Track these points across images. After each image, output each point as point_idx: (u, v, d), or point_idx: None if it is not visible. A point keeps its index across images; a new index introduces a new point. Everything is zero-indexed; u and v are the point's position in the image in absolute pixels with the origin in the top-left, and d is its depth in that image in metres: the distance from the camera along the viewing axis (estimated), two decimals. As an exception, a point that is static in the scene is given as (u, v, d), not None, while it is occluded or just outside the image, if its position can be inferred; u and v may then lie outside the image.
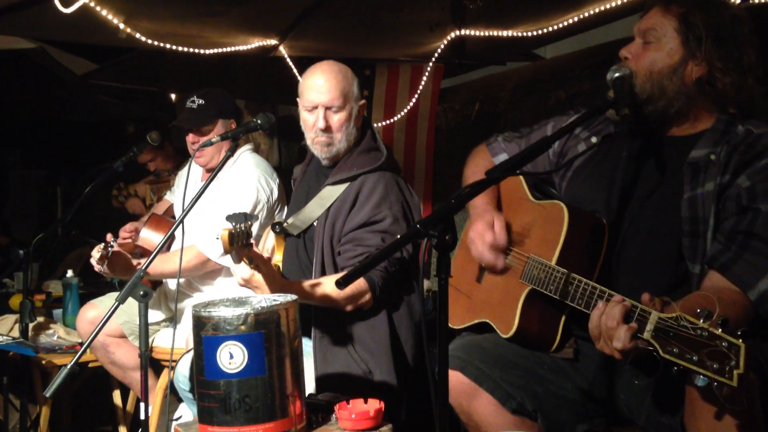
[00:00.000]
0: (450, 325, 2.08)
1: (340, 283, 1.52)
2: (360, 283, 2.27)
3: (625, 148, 1.92)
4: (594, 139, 1.98)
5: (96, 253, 2.70)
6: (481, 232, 1.92)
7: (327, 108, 2.37)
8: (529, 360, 1.90)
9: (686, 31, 1.78)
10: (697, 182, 1.75)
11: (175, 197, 3.50)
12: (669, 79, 1.79)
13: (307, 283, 2.26)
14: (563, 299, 1.75)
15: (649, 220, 1.82)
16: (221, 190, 2.96)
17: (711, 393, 1.41)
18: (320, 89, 2.37)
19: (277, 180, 3.08)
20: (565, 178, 2.05)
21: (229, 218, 1.92)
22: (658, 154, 1.87)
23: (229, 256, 2.88)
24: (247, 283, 2.13)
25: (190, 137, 3.06)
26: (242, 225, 1.91)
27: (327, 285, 2.24)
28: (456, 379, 1.82)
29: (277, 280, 2.14)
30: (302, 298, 2.26)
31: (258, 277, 2.10)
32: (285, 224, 2.48)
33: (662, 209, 1.81)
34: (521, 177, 2.09)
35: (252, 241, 2.00)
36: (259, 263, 2.08)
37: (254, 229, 2.80)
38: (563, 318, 1.88)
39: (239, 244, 1.93)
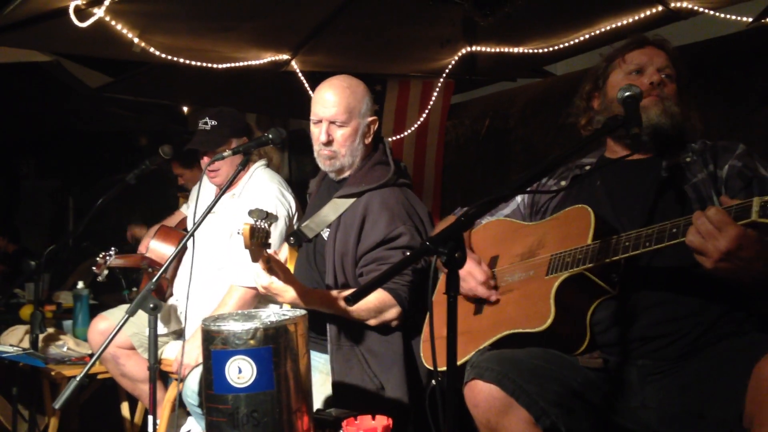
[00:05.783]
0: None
1: (349, 300, 1.52)
2: (383, 298, 2.27)
3: (597, 178, 2.05)
4: (564, 183, 2.11)
5: (99, 260, 2.75)
6: (471, 269, 2.03)
7: (331, 122, 2.40)
8: (563, 374, 1.85)
9: (680, 69, 2.04)
10: (691, 174, 1.91)
11: (188, 211, 3.52)
12: (677, 106, 1.99)
13: (329, 293, 2.26)
14: (605, 259, 1.76)
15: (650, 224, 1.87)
16: (242, 208, 2.96)
17: None
18: (326, 104, 2.40)
19: (292, 193, 3.09)
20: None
21: (250, 213, 1.93)
22: (630, 173, 2.00)
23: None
24: (267, 291, 2.13)
25: (205, 160, 3.07)
26: (263, 222, 1.92)
27: None
28: (489, 392, 1.76)
29: (297, 288, 2.14)
30: (324, 308, 2.26)
31: (277, 285, 2.11)
32: (300, 227, 2.47)
33: (661, 208, 1.89)
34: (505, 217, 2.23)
35: (270, 241, 2.00)
36: (277, 268, 2.09)
37: (276, 235, 2.78)
38: (590, 312, 1.87)
39: (259, 241, 1.93)
